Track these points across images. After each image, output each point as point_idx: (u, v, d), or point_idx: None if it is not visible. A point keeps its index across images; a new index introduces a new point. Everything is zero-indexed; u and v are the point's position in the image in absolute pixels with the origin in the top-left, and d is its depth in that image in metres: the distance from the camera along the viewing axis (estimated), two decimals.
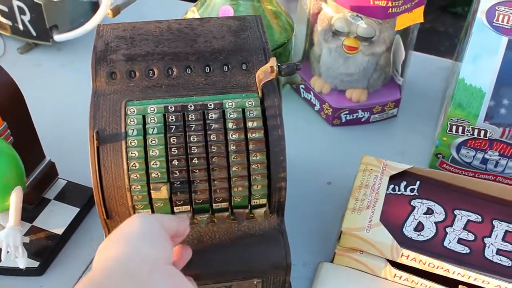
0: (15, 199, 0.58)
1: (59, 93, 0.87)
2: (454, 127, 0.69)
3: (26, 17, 0.90)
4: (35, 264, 0.62)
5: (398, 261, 0.59)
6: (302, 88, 0.84)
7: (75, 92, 0.84)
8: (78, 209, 0.67)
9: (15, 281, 0.62)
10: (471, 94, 0.66)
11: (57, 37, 0.91)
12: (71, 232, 0.67)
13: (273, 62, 0.50)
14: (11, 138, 0.62)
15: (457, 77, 0.68)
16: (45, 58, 0.94)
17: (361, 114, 0.80)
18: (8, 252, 0.58)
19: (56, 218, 0.66)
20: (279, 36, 0.81)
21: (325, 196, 0.71)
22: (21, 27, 0.92)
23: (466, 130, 0.68)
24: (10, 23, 0.92)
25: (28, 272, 0.61)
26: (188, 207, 0.51)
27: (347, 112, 0.80)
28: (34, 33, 0.92)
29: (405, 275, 0.59)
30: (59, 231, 0.65)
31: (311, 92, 0.82)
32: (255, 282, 0.54)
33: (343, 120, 0.81)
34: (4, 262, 0.61)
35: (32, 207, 0.67)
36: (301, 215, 0.68)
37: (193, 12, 0.81)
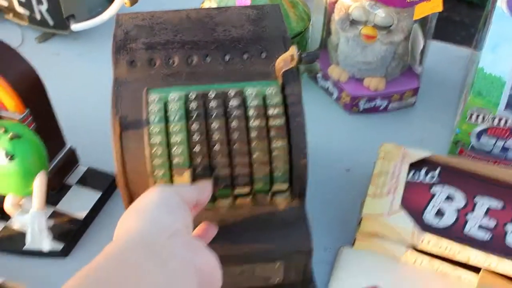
0: (39, 183, 0.59)
1: (77, 81, 0.88)
2: (474, 116, 0.68)
3: (43, 7, 0.90)
4: (59, 246, 0.63)
5: (419, 246, 0.59)
6: (319, 77, 0.84)
7: (93, 81, 0.85)
8: (100, 194, 0.68)
9: (40, 262, 0.63)
10: (491, 83, 0.66)
11: (74, 27, 0.92)
12: (93, 216, 0.68)
13: (293, 50, 0.50)
14: (33, 124, 0.62)
15: (476, 66, 0.68)
16: (62, 47, 0.94)
17: (379, 103, 0.80)
18: (33, 235, 0.59)
19: (78, 203, 0.68)
20: (296, 25, 0.81)
21: (345, 183, 0.71)
22: (38, 16, 0.92)
23: (486, 118, 0.68)
24: (27, 13, 0.93)
25: (52, 254, 0.63)
26: None
27: (365, 100, 0.80)
28: (51, 23, 0.92)
29: (426, 260, 0.60)
30: (82, 215, 0.66)
31: (329, 80, 0.82)
32: (277, 266, 0.54)
33: (361, 108, 0.81)
34: (30, 245, 0.62)
35: (54, 193, 0.68)
36: (321, 201, 0.68)
37: (210, 1, 0.82)
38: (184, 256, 0.39)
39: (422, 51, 0.77)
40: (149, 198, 0.44)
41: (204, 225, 0.50)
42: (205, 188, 0.49)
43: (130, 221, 0.42)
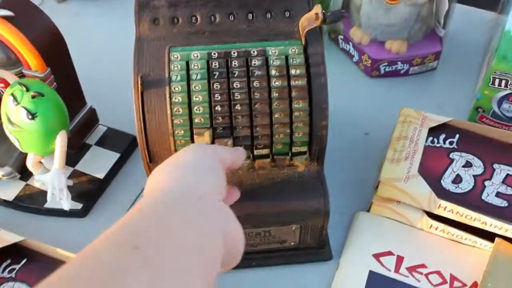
0: (60, 142, 0.59)
1: (97, 41, 0.87)
2: (497, 81, 0.67)
3: None
4: (78, 206, 0.64)
5: (435, 212, 0.59)
6: (340, 38, 0.83)
7: (113, 40, 0.85)
8: (119, 154, 0.69)
9: (60, 221, 0.65)
10: None
11: None
12: (112, 176, 0.68)
13: (318, 9, 0.49)
14: (55, 84, 0.63)
15: (502, 29, 0.67)
16: (82, 7, 0.94)
17: (401, 66, 0.79)
18: (53, 194, 0.60)
19: (98, 163, 0.68)
20: None
21: (363, 147, 0.71)
22: None
23: (509, 83, 0.67)
24: None
25: (72, 213, 0.64)
26: None
27: (386, 63, 0.79)
28: None
29: (441, 226, 0.60)
30: (101, 175, 0.67)
31: (350, 43, 0.81)
32: (293, 228, 0.55)
33: (382, 71, 0.80)
34: (49, 204, 0.63)
35: (74, 152, 0.69)
36: (339, 164, 0.68)
37: None
38: (213, 220, 0.39)
39: (446, 14, 0.75)
40: (186, 155, 0.43)
41: (228, 188, 0.49)
42: (241, 154, 0.48)
43: (163, 175, 0.41)
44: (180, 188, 0.39)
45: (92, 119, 0.71)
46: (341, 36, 0.82)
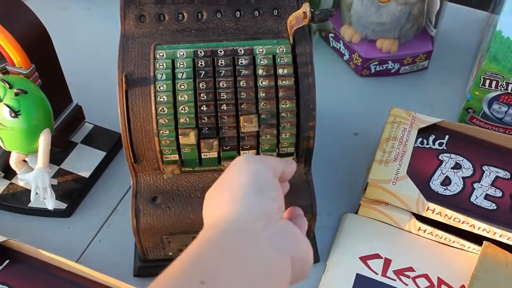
0: (43, 141, 0.58)
1: (86, 37, 0.86)
2: (487, 81, 0.67)
3: None
4: (62, 206, 0.63)
5: (424, 214, 0.58)
6: (331, 37, 0.82)
7: (102, 36, 0.84)
8: (105, 153, 0.68)
9: (43, 222, 0.63)
10: (508, 47, 0.64)
11: None
12: (98, 175, 0.67)
13: (306, 7, 0.48)
14: (39, 81, 0.62)
15: (493, 29, 0.66)
16: (71, 1, 0.92)
17: (391, 65, 0.78)
18: (36, 193, 0.59)
19: (83, 161, 0.67)
20: None
21: (352, 147, 0.70)
22: None
23: (499, 84, 0.66)
24: None
25: (56, 213, 0.63)
26: (215, 154, 0.51)
27: (376, 62, 0.78)
28: None
29: (429, 228, 0.59)
30: (86, 174, 0.66)
31: (341, 41, 0.80)
32: None
33: (372, 70, 0.79)
34: (33, 203, 0.62)
35: (59, 150, 0.68)
36: (327, 165, 0.67)
37: None
38: (281, 245, 0.38)
39: (438, 13, 0.75)
40: (241, 175, 0.41)
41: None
42: (292, 163, 0.46)
43: (223, 203, 0.39)
44: (244, 217, 0.38)
45: (78, 116, 0.70)
46: (331, 35, 0.82)
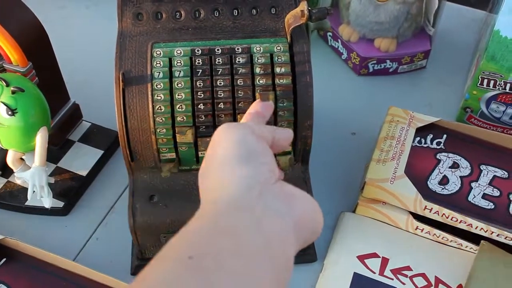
0: (40, 139, 0.58)
1: (83, 35, 0.86)
2: (485, 81, 0.67)
3: None
4: (60, 204, 0.63)
5: (421, 213, 0.58)
6: (329, 35, 0.82)
7: (100, 35, 0.83)
8: (102, 152, 0.68)
9: (40, 220, 0.63)
10: (506, 46, 0.64)
11: None
12: (95, 173, 0.67)
13: (304, 6, 0.48)
14: (36, 79, 0.61)
15: (491, 29, 0.66)
16: (68, 0, 0.92)
17: (389, 64, 0.78)
18: (34, 191, 0.59)
19: (81, 159, 0.67)
20: None
21: (349, 146, 0.70)
22: None
23: (497, 84, 0.66)
24: None
25: (53, 211, 0.63)
26: None
27: (375, 61, 0.78)
28: None
29: (427, 228, 0.59)
30: (83, 172, 0.66)
31: (339, 40, 0.80)
32: None
33: (371, 70, 0.79)
34: (30, 201, 0.62)
35: (56, 149, 0.68)
36: (325, 164, 0.67)
37: None
38: (279, 211, 0.36)
39: (436, 13, 0.75)
40: (223, 146, 0.38)
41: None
42: (284, 131, 0.43)
43: (213, 180, 0.38)
44: (235, 190, 0.36)
45: (75, 115, 0.70)
46: (329, 33, 0.81)
